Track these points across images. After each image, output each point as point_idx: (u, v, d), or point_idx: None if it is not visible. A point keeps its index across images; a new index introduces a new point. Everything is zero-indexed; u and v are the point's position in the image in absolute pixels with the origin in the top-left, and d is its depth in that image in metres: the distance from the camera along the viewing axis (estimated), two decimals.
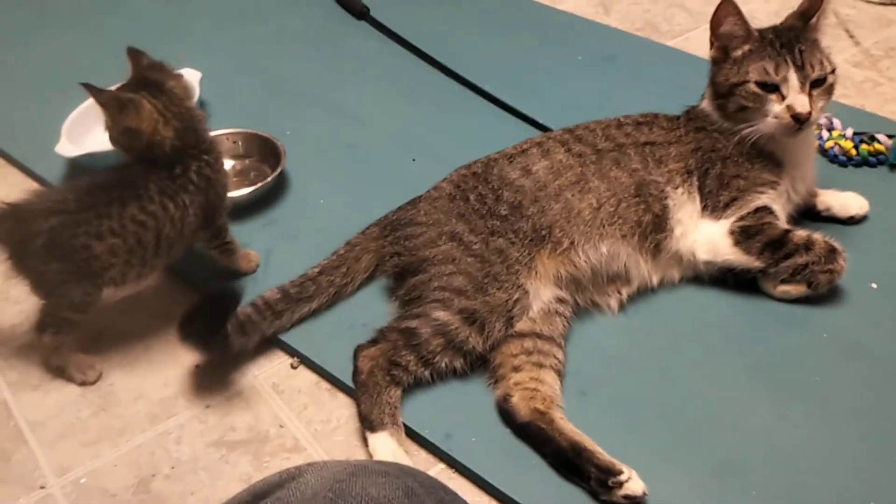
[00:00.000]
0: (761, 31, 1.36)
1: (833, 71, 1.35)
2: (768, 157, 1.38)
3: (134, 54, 1.33)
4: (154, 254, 1.31)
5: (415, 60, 2.00)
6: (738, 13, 1.35)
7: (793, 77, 1.31)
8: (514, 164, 1.42)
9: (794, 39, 1.33)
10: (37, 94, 1.93)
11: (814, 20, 1.36)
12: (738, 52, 1.36)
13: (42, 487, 1.20)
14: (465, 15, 2.18)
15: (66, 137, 1.66)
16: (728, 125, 1.38)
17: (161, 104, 1.28)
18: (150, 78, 1.31)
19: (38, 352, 1.36)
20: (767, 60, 1.32)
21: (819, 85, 1.34)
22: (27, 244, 1.25)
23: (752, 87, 1.33)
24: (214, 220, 1.37)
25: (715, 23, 1.37)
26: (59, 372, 1.34)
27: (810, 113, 1.31)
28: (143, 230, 1.28)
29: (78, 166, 1.65)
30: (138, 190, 1.28)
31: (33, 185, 1.67)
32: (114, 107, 1.27)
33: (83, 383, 1.33)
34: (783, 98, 1.32)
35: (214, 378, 1.33)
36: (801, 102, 1.31)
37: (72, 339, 1.33)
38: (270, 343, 1.37)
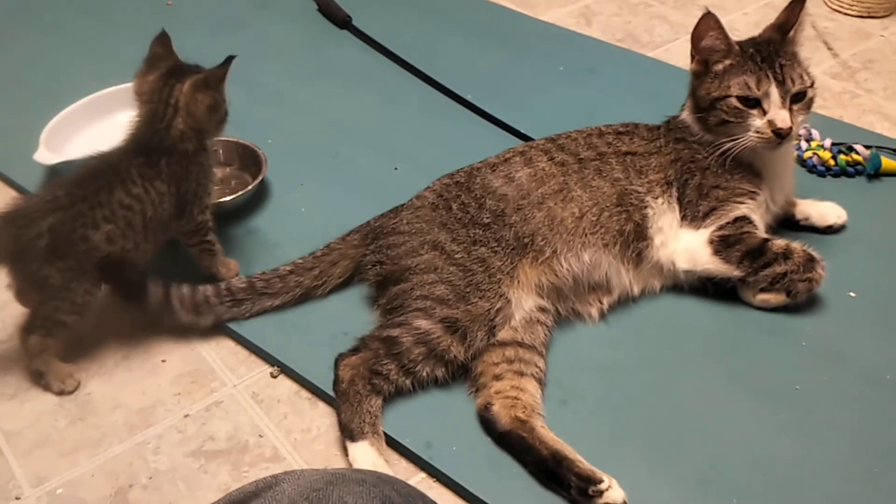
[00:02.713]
0: (742, 45, 1.37)
1: (812, 84, 1.36)
2: (747, 168, 1.39)
3: (228, 60, 1.37)
4: (144, 237, 1.32)
5: (397, 70, 2.00)
6: (720, 27, 1.36)
7: (774, 92, 1.32)
8: (496, 172, 1.42)
9: (775, 53, 1.34)
10: (15, 102, 1.92)
11: (791, 33, 1.37)
12: (720, 66, 1.37)
13: (17, 498, 1.18)
14: (447, 25, 2.19)
15: (44, 145, 1.65)
16: (709, 138, 1.39)
17: (158, 87, 1.34)
18: (187, 73, 1.35)
19: (15, 359, 1.35)
20: (749, 75, 1.33)
21: (799, 99, 1.35)
22: (29, 248, 1.24)
23: (734, 101, 1.34)
24: (192, 213, 1.37)
25: (696, 36, 1.38)
26: (38, 378, 1.32)
27: (791, 128, 1.32)
28: (131, 213, 1.30)
29: (56, 174, 1.64)
30: (121, 174, 1.30)
31: (12, 194, 1.66)
32: (147, 59, 1.36)
33: (61, 392, 1.32)
34: (764, 113, 1.33)
35: (193, 387, 1.32)
36: (782, 118, 1.32)
37: (57, 343, 1.32)
38: (250, 352, 1.37)
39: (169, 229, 1.37)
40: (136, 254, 1.33)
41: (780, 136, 1.32)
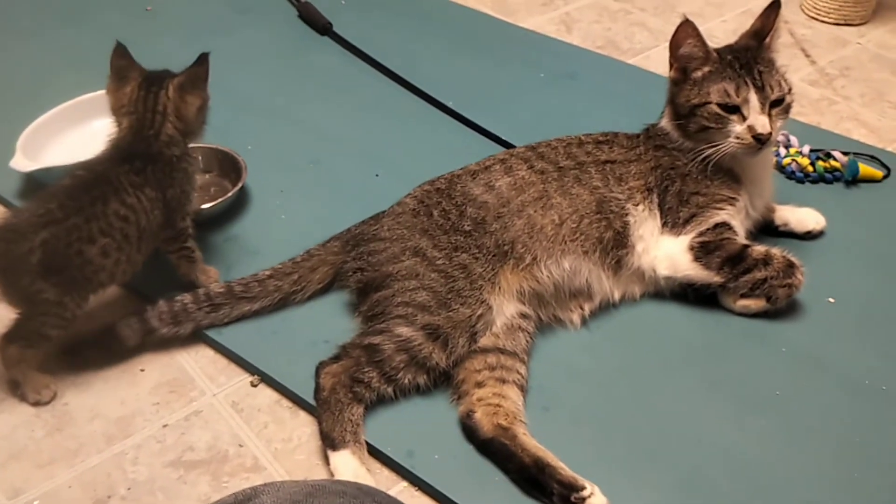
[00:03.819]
0: (720, 52, 1.38)
1: (790, 90, 1.37)
2: (727, 174, 1.40)
3: (200, 58, 1.36)
4: (136, 248, 1.31)
5: (378, 76, 2.00)
6: (698, 35, 1.36)
7: (753, 98, 1.33)
8: (477, 180, 1.42)
9: (753, 60, 1.35)
10: None
11: (768, 39, 1.38)
12: (699, 74, 1.38)
13: None
14: (428, 31, 2.19)
15: (21, 152, 1.63)
16: (689, 144, 1.40)
17: (138, 96, 1.32)
18: (167, 78, 1.35)
19: None
20: (728, 82, 1.34)
21: (778, 105, 1.36)
22: (21, 264, 1.22)
23: (714, 108, 1.35)
24: (175, 220, 1.36)
25: (674, 44, 1.39)
26: (13, 387, 1.31)
27: (771, 133, 1.33)
28: (126, 224, 1.28)
29: (34, 181, 1.62)
30: (114, 184, 1.28)
31: None
32: (113, 71, 1.34)
33: (37, 403, 1.30)
34: (744, 119, 1.34)
35: (172, 396, 1.31)
36: (761, 123, 1.33)
37: (36, 355, 1.30)
38: (230, 360, 1.36)
39: (157, 238, 1.36)
40: (127, 266, 1.31)
41: (761, 141, 1.33)
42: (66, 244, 1.23)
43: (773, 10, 1.39)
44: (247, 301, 1.37)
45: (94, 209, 1.25)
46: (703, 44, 1.37)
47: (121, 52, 1.33)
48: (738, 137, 1.34)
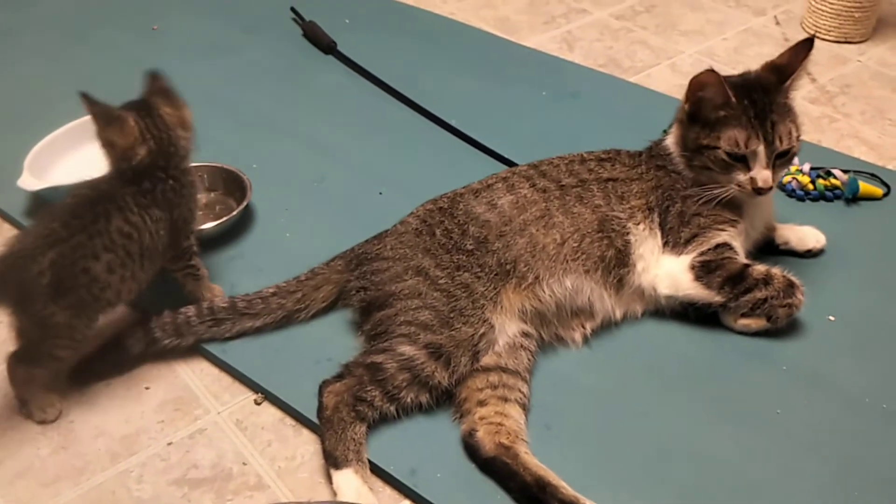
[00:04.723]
0: (738, 94, 1.33)
1: (798, 137, 1.36)
2: (728, 202, 1.39)
3: (151, 77, 1.38)
4: (140, 266, 1.31)
5: (382, 95, 2.02)
6: (721, 83, 1.32)
7: (761, 152, 1.32)
8: (479, 198, 1.43)
9: (768, 107, 1.33)
10: None
11: (788, 83, 1.36)
12: (713, 116, 1.35)
13: None
14: (432, 51, 2.21)
15: (28, 171, 1.65)
16: (690, 175, 1.40)
17: (144, 125, 1.32)
18: (149, 100, 1.36)
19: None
20: (739, 130, 1.32)
21: (783, 156, 1.35)
22: (31, 288, 1.22)
23: (721, 154, 1.34)
24: (179, 240, 1.37)
25: (696, 86, 1.35)
26: (19, 405, 1.32)
27: (771, 186, 1.34)
28: (129, 241, 1.29)
29: (41, 200, 1.64)
30: (118, 202, 1.29)
31: None
32: (101, 118, 1.31)
33: (42, 421, 1.31)
34: (748, 169, 1.34)
35: (177, 414, 1.32)
36: (763, 178, 1.33)
37: (45, 374, 1.31)
38: (234, 378, 1.37)
39: (163, 258, 1.37)
40: (132, 284, 1.32)
41: (760, 193, 1.34)
42: (72, 262, 1.24)
43: (804, 49, 1.36)
44: (249, 317, 1.38)
45: (97, 226, 1.26)
46: (724, 91, 1.32)
47: (91, 99, 1.30)
48: (738, 185, 1.35)
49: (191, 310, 1.37)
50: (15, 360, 1.30)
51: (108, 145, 1.32)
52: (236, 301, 1.39)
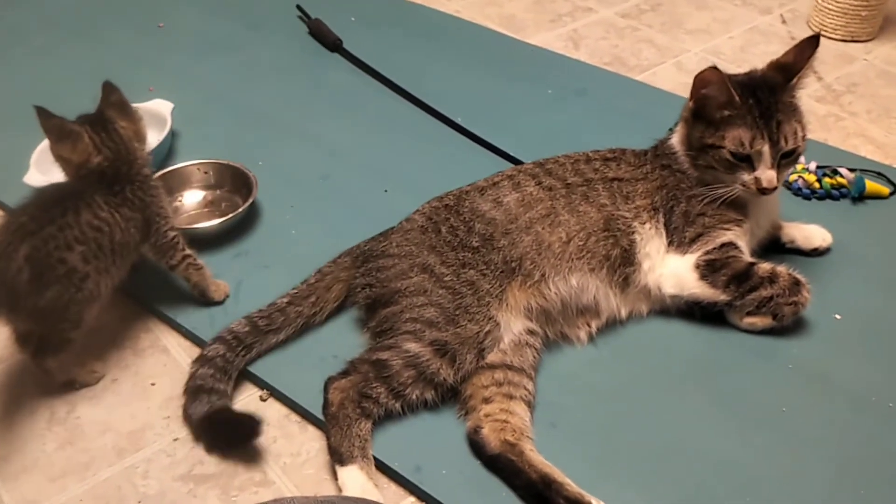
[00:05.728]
0: (742, 94, 1.33)
1: (804, 137, 1.35)
2: (733, 201, 1.39)
3: (107, 89, 1.40)
4: (112, 261, 1.32)
5: (387, 92, 2.02)
6: (723, 81, 1.32)
7: (766, 152, 1.32)
8: (485, 196, 1.43)
9: (774, 106, 1.32)
10: (5, 124, 1.91)
11: (794, 81, 1.35)
12: (717, 115, 1.34)
13: None
14: (437, 48, 2.21)
15: (34, 167, 1.65)
16: (695, 174, 1.40)
17: (99, 139, 1.34)
18: (105, 114, 1.37)
19: (1, 384, 1.35)
20: (744, 130, 1.32)
21: (788, 156, 1.35)
22: (14, 285, 1.23)
23: (726, 153, 1.34)
24: (152, 230, 1.38)
25: (700, 83, 1.35)
26: (69, 386, 1.34)
27: (776, 186, 1.34)
28: (100, 235, 1.29)
29: None
30: (86, 199, 1.30)
31: (1, 215, 1.65)
32: (54, 134, 1.33)
33: (97, 381, 1.35)
34: (753, 169, 1.34)
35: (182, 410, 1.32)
36: (768, 178, 1.33)
37: (70, 355, 1.33)
38: (239, 375, 1.37)
39: (137, 252, 1.38)
40: (107, 277, 1.32)
41: (765, 193, 1.34)
42: (47, 253, 1.24)
43: (810, 46, 1.35)
44: (273, 333, 1.36)
45: (66, 219, 1.27)
46: (728, 90, 1.32)
47: (46, 114, 1.30)
48: (743, 184, 1.35)
49: (220, 348, 1.32)
50: (38, 357, 1.31)
51: (60, 160, 1.35)
52: (255, 320, 1.36)
